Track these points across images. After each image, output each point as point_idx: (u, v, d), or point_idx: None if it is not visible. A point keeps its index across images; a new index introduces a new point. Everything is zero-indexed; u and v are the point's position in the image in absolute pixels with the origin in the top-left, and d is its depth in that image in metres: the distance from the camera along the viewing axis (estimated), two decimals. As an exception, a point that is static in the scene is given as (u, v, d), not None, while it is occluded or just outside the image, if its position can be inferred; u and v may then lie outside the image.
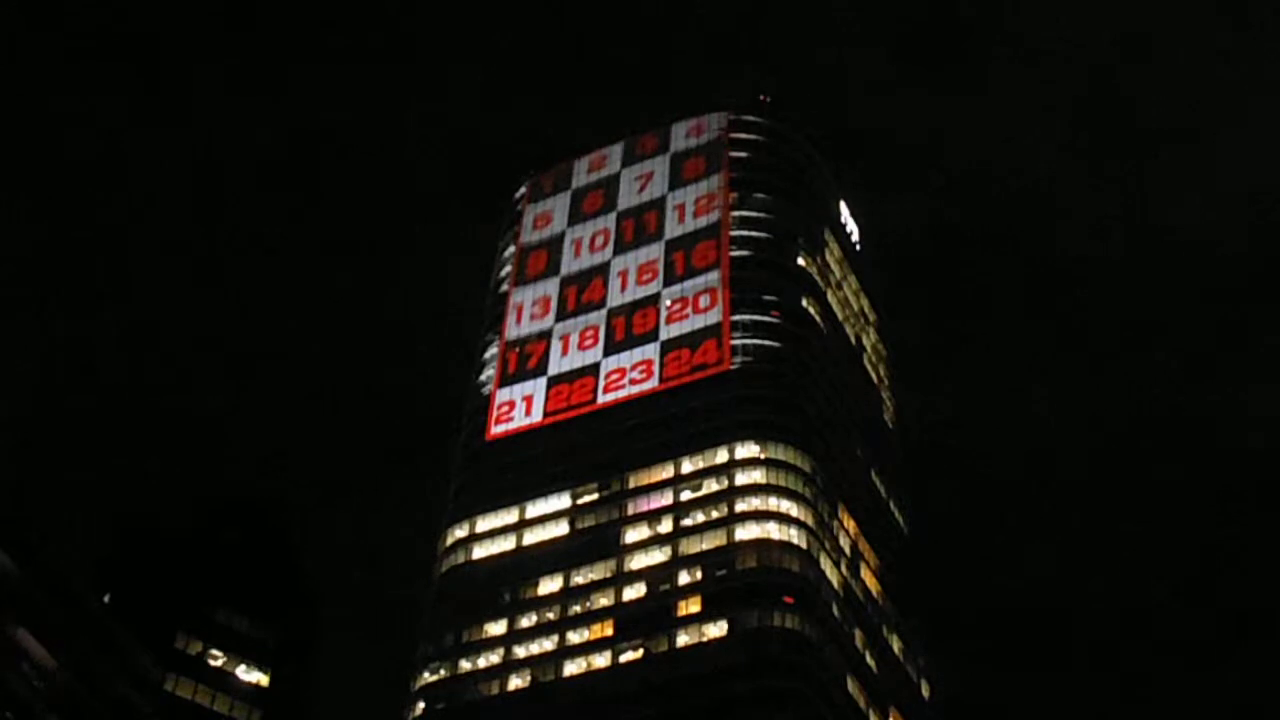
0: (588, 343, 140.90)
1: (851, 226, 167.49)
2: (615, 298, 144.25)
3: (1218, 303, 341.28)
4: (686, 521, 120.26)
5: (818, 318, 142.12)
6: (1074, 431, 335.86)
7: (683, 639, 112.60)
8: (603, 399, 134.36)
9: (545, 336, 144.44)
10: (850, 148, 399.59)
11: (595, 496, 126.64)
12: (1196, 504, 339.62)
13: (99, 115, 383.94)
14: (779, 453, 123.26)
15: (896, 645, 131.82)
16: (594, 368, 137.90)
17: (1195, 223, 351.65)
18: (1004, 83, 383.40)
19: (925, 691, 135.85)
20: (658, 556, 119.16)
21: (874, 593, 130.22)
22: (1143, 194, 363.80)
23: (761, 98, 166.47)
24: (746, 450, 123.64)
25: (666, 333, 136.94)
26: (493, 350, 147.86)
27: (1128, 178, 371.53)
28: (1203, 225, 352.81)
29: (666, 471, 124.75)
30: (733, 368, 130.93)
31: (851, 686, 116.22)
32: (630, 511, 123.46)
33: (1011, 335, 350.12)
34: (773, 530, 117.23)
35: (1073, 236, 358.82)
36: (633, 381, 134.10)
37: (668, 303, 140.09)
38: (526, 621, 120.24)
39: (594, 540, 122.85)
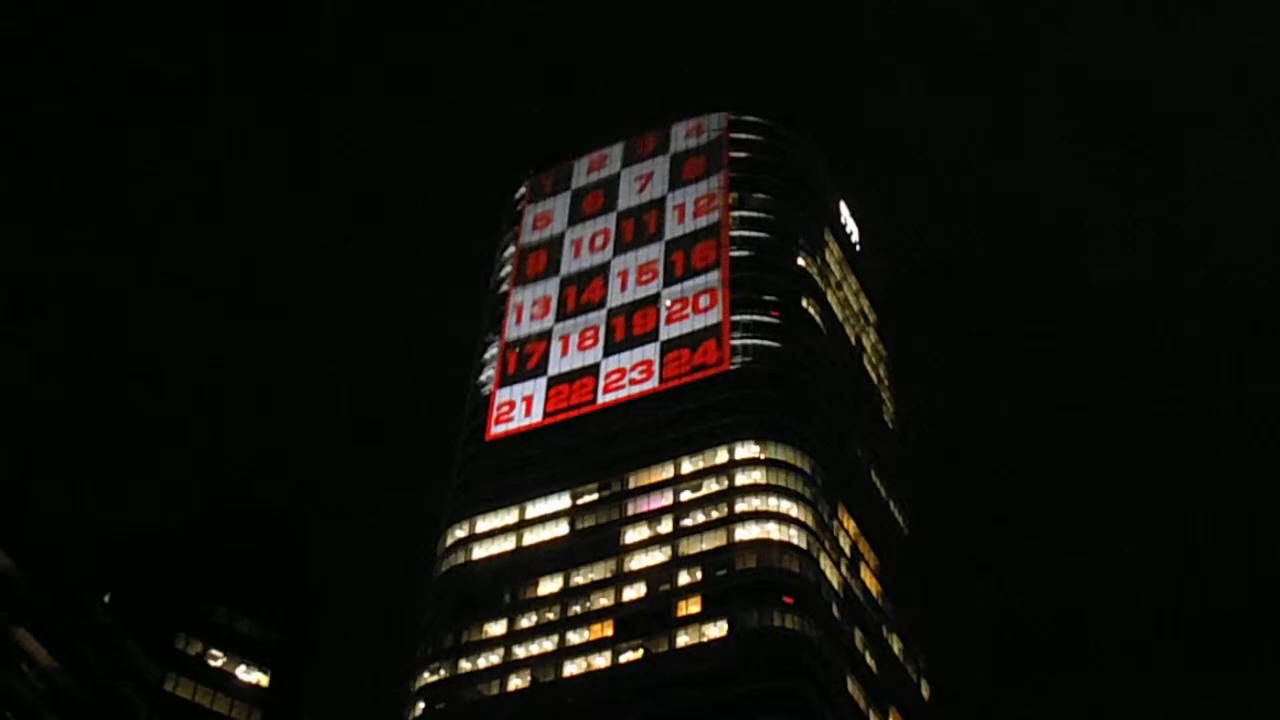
0: (588, 343, 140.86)
1: (851, 226, 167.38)
2: (615, 298, 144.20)
3: (1224, 302, 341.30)
4: (686, 522, 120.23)
5: (818, 318, 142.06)
6: (1075, 431, 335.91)
7: (683, 639, 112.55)
8: (603, 399, 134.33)
9: (545, 336, 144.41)
10: (852, 147, 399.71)
11: (595, 496, 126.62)
12: (1199, 504, 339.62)
13: (101, 116, 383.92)
14: (779, 453, 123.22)
15: (896, 645, 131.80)
16: (594, 368, 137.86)
17: (1199, 223, 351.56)
18: (1008, 83, 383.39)
19: (925, 691, 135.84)
20: (658, 556, 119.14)
21: (874, 593, 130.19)
22: (1147, 196, 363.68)
23: (762, 98, 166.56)
24: (746, 450, 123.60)
25: (666, 333, 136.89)
26: (493, 350, 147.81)
27: (1132, 178, 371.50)
28: (1206, 226, 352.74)
29: (666, 471, 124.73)
30: (733, 368, 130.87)
31: (851, 686, 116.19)
32: (630, 511, 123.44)
33: (1012, 335, 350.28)
34: (773, 530, 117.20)
35: (1075, 237, 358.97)
36: (633, 382, 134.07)
37: (668, 303, 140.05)
38: (526, 621, 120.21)
39: (594, 540, 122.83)
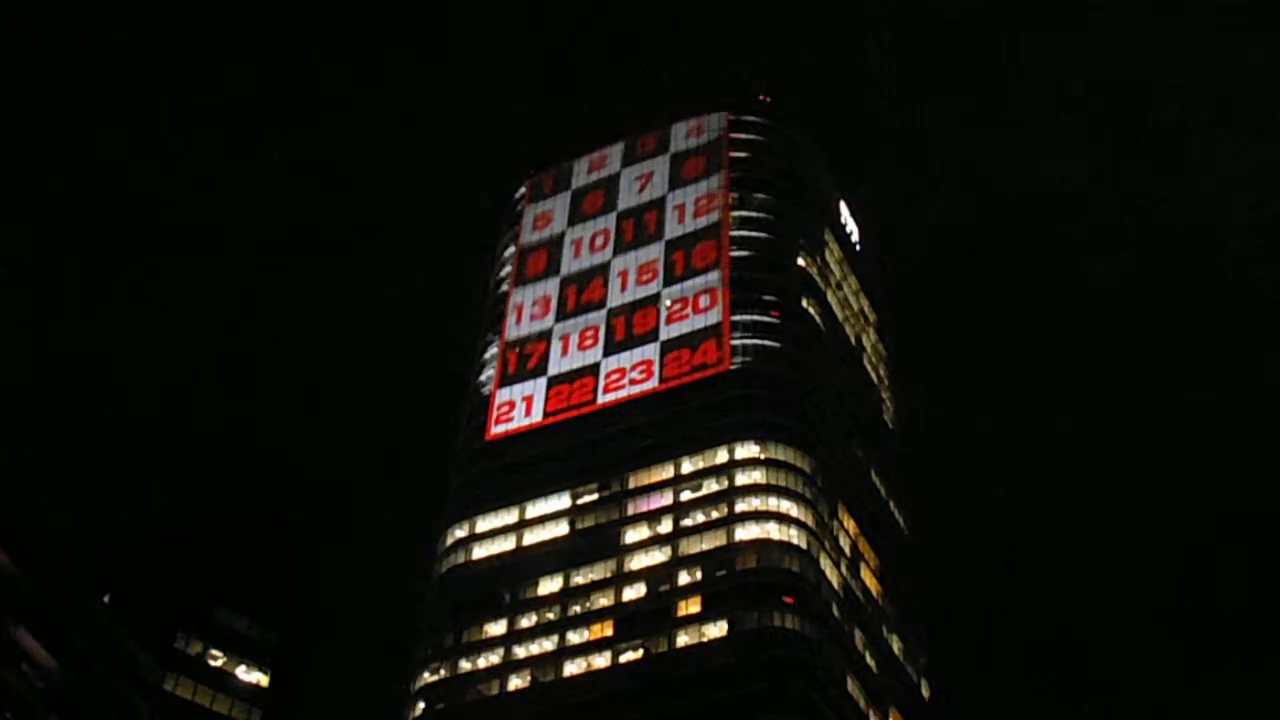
0: (588, 343, 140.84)
1: (851, 226, 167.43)
2: (615, 298, 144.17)
3: (1225, 303, 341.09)
4: (686, 521, 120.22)
5: (818, 318, 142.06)
6: (1074, 432, 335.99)
7: (683, 639, 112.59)
8: (603, 399, 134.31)
9: (545, 336, 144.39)
10: (852, 147, 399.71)
11: (595, 496, 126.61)
12: (1198, 504, 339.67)
13: (102, 113, 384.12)
14: (779, 453, 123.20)
15: (896, 645, 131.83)
16: (594, 368, 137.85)
17: (1203, 224, 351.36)
18: (1007, 83, 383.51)
19: (925, 691, 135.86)
20: (658, 556, 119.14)
21: (874, 593, 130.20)
22: (1148, 196, 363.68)
23: (761, 97, 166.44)
24: (746, 450, 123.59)
25: (666, 333, 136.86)
26: (493, 350, 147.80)
27: (1132, 179, 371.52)
28: (1210, 228, 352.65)
29: (666, 471, 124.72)
30: (733, 368, 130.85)
31: (851, 686, 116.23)
32: (630, 511, 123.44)
33: (1013, 336, 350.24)
34: (773, 530, 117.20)
35: (1077, 239, 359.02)
36: (633, 381, 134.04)
37: (668, 303, 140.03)
38: (526, 621, 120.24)
39: (594, 540, 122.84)
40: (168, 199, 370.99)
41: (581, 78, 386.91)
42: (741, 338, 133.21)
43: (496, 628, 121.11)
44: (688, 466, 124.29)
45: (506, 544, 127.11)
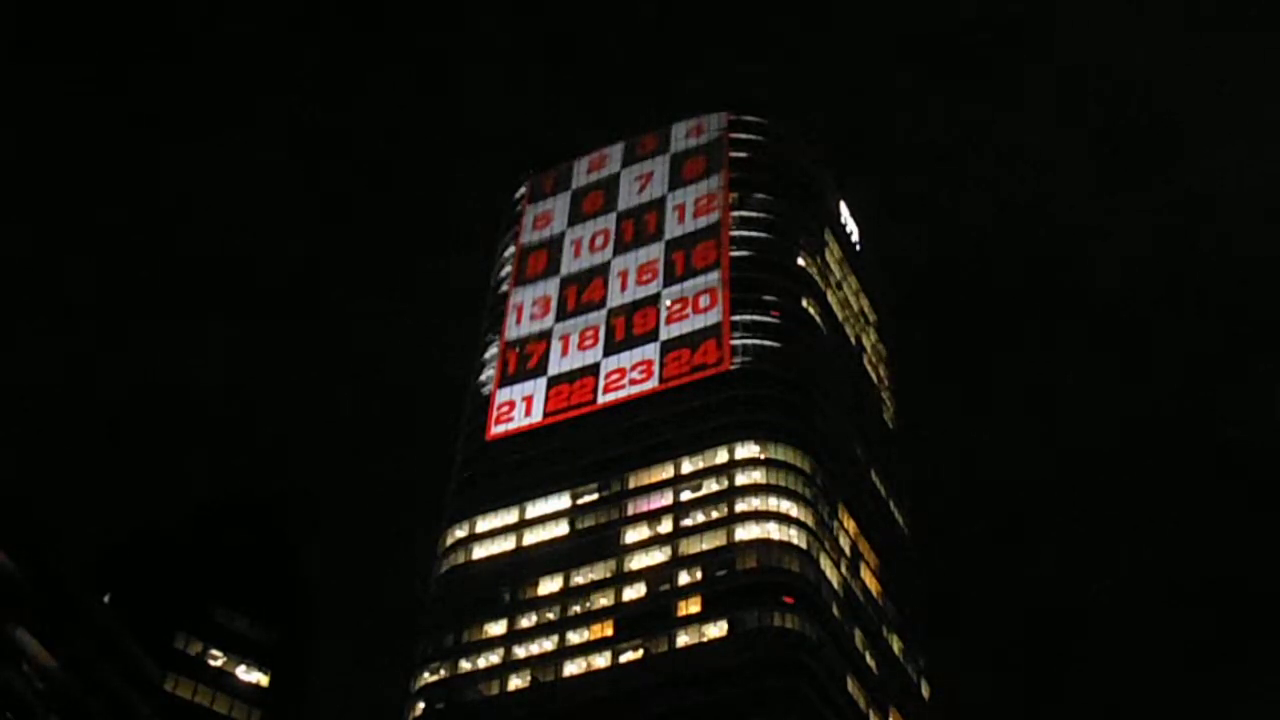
0: (588, 343, 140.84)
1: (851, 226, 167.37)
2: (615, 298, 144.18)
3: (1224, 303, 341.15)
4: (686, 521, 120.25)
5: (818, 318, 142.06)
6: (1074, 431, 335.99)
7: (683, 639, 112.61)
8: (603, 399, 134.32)
9: (545, 336, 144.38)
10: (852, 147, 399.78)
11: (595, 496, 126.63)
12: (1198, 504, 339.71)
13: (99, 115, 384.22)
14: (779, 453, 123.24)
15: (896, 645, 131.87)
16: (594, 368, 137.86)
17: (1208, 224, 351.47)
18: (1008, 83, 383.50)
19: (925, 691, 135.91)
20: (658, 556, 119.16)
21: (874, 593, 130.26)
22: (1148, 197, 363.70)
23: (762, 98, 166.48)
24: (746, 450, 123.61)
25: (666, 333, 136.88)
26: (493, 350, 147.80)
27: (1133, 179, 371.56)
28: (1207, 227, 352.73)
29: (666, 471, 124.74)
30: (733, 368, 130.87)
31: (851, 686, 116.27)
32: (630, 511, 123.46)
33: (1012, 335, 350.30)
34: (773, 530, 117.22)
35: (1076, 237, 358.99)
36: (633, 381, 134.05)
37: (668, 303, 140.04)
38: (526, 621, 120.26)
39: (594, 540, 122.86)
40: (167, 197, 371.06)
41: (581, 78, 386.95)
42: (741, 338, 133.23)
43: (496, 628, 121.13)
44: (688, 466, 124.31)
45: (506, 544, 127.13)
